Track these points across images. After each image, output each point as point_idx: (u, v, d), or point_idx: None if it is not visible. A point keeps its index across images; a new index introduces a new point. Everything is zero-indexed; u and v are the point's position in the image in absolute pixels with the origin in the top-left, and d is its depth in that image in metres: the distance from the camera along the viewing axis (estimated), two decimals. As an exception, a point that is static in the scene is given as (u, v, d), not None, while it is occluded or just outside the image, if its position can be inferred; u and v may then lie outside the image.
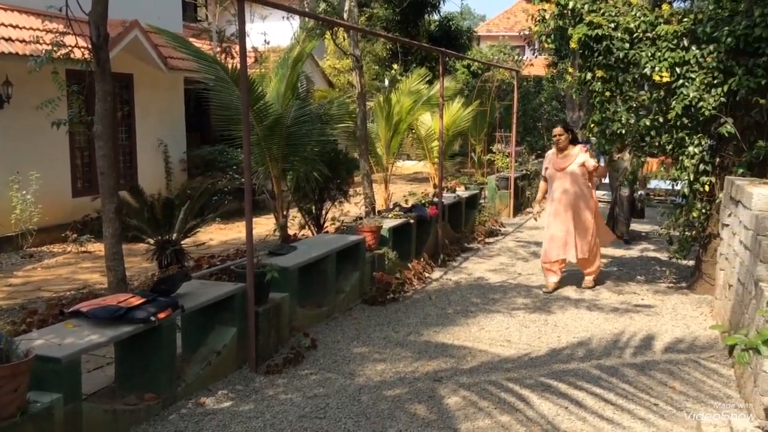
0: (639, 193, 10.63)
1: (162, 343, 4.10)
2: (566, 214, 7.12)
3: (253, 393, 4.48)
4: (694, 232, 7.15)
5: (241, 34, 4.75)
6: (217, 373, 4.63)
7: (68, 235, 10.04)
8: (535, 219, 7.79)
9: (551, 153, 7.41)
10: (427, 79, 12.43)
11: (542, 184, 7.59)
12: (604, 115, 7.08)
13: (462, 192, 10.60)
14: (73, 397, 3.46)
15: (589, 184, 7.22)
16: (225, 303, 4.74)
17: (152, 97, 12.65)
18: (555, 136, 7.25)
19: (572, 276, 7.68)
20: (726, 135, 6.43)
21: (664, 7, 6.93)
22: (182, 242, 7.49)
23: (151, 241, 7.33)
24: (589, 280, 7.38)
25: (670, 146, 6.90)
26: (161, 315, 4.02)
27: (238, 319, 4.79)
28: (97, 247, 9.51)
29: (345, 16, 10.24)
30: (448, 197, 9.61)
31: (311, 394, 4.45)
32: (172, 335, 4.21)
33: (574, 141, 7.24)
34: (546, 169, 7.41)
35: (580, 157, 7.12)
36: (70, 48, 5.75)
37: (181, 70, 12.34)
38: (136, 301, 4.09)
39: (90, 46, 4.94)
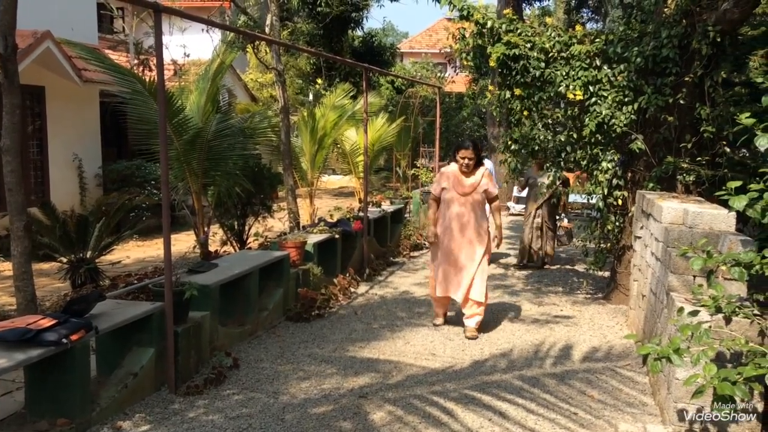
0: (563, 218, 9.61)
1: (75, 366, 3.92)
2: (462, 247, 6.21)
3: (173, 415, 4.33)
4: (608, 245, 7.41)
5: (158, 46, 4.63)
6: (135, 396, 4.46)
7: (-26, 254, 9.49)
8: (430, 244, 6.45)
9: (451, 172, 6.31)
10: (352, 94, 12.46)
11: (433, 204, 6.41)
12: (522, 133, 7.27)
13: (387, 206, 10.65)
14: (-25, 427, 3.25)
15: (486, 213, 6.43)
16: (142, 323, 4.57)
17: (66, 110, 12.17)
18: (464, 158, 6.18)
19: (498, 288, 7.80)
20: (637, 151, 6.70)
21: (578, 27, 7.22)
22: (97, 260, 7.21)
23: (64, 259, 7.03)
24: (472, 328, 6.22)
25: (585, 161, 7.14)
26: (74, 337, 3.84)
27: (156, 339, 4.64)
28: (6, 267, 9.04)
29: (267, 29, 10.17)
30: (373, 212, 9.64)
31: (233, 415, 4.34)
32: (85, 358, 4.03)
33: (479, 162, 6.36)
34: (444, 189, 6.30)
35: (483, 182, 6.26)
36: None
37: (96, 82, 11.91)
38: (47, 322, 3.90)
39: (-4, 56, 4.70)
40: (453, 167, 6.35)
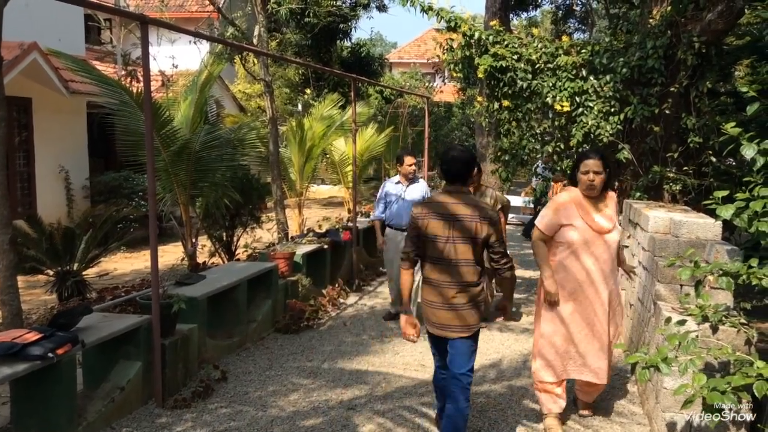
0: None
1: (61, 380, 3.88)
2: (594, 311, 4.25)
3: (160, 429, 4.30)
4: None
5: (145, 58, 4.62)
6: (122, 410, 4.42)
7: (-42, 268, 9.38)
8: (550, 305, 4.29)
9: (571, 200, 4.23)
10: (340, 104, 12.47)
11: (544, 246, 4.28)
12: (511, 143, 7.29)
13: (376, 216, 10.62)
14: (-41, 443, 3.21)
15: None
16: (129, 336, 4.54)
17: (53, 121, 12.10)
18: (587, 172, 4.15)
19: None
20: (624, 160, 6.74)
21: (564, 38, 7.26)
22: (84, 273, 7.15)
23: (51, 272, 6.97)
24: (590, 404, 4.63)
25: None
26: (60, 351, 3.81)
27: (144, 352, 4.60)
28: (-9, 280, 8.94)
29: (255, 41, 10.18)
30: (362, 222, 9.63)
31: (221, 429, 4.31)
32: (71, 372, 4.00)
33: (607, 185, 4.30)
34: (565, 227, 4.19)
35: (614, 209, 4.32)
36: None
37: (83, 93, 11.86)
38: (33, 336, 3.86)
39: (-18, 68, 4.68)
40: (573, 194, 4.27)
